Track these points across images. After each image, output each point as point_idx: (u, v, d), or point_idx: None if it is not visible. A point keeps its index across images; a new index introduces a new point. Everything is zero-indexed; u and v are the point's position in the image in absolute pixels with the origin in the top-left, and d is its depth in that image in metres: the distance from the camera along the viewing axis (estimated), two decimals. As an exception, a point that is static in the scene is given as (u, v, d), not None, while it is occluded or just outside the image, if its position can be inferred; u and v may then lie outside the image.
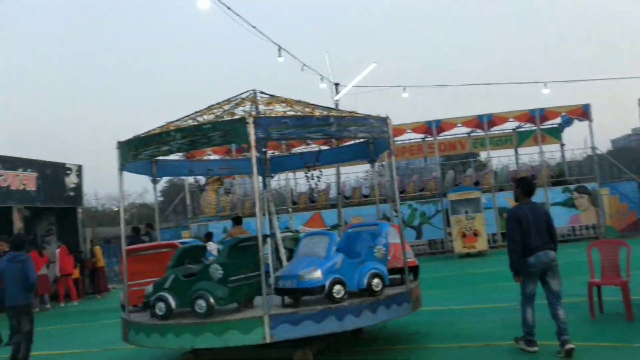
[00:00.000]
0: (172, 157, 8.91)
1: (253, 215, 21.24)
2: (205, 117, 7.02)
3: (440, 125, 21.80)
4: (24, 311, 7.16)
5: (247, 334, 5.79)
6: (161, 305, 6.20)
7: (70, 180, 18.63)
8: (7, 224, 16.07)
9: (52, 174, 17.76)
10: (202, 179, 18.97)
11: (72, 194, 18.63)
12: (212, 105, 7.52)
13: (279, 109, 7.06)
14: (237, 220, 12.53)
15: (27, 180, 16.63)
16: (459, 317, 8.46)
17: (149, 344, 6.29)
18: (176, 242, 7.19)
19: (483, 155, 26.58)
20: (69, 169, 18.65)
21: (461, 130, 23.35)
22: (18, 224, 16.19)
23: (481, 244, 18.25)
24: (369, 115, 7.18)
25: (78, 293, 16.51)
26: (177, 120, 7.07)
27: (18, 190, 16.25)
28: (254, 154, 6.10)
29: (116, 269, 23.50)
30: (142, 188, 52.25)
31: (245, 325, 5.81)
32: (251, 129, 6.00)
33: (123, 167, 6.88)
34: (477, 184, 21.11)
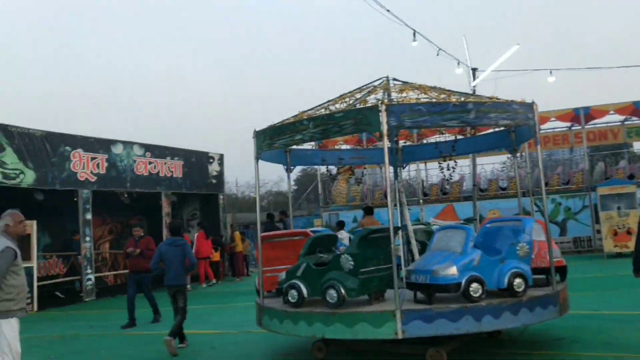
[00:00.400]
0: (305, 146, 9.04)
1: (383, 205, 21.19)
2: (337, 105, 6.95)
3: (589, 113, 20.02)
4: (180, 290, 8.10)
5: (378, 328, 5.64)
6: (293, 292, 6.25)
7: (213, 168, 19.76)
8: (157, 208, 17.45)
9: (196, 162, 18.96)
10: (333, 169, 19.16)
11: (214, 181, 19.77)
12: (344, 94, 7.44)
13: (412, 96, 6.79)
14: (368, 210, 12.45)
15: (174, 168, 17.89)
16: (611, 324, 7.63)
17: (281, 330, 6.38)
18: (308, 230, 7.22)
19: (637, 145, 24.03)
20: (212, 157, 19.79)
21: (613, 118, 21.24)
22: (166, 209, 17.49)
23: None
24: (512, 100, 6.65)
25: (218, 276, 17.47)
26: (310, 110, 7.07)
27: (166, 177, 17.55)
28: (385, 142, 5.91)
29: (254, 253, 24.73)
30: (277, 177, 54.11)
31: (376, 318, 5.67)
32: (383, 117, 5.81)
33: (259, 156, 7.03)
34: (631, 177, 19.13)
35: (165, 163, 17.54)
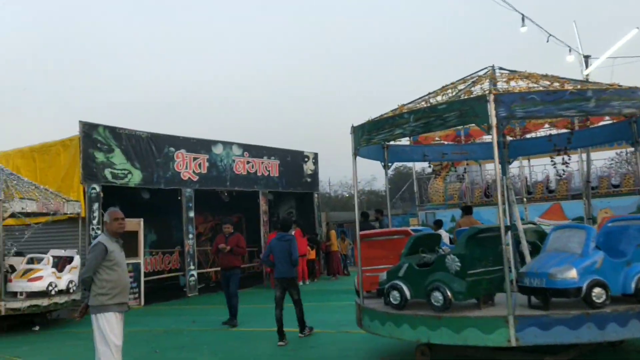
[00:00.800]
0: (402, 142, 8.74)
1: (483, 204, 20.34)
2: (439, 98, 6.60)
3: None
4: (291, 283, 8.47)
5: (488, 334, 5.26)
6: (395, 294, 5.99)
7: (308, 167, 19.87)
8: (255, 207, 17.79)
9: (291, 161, 19.14)
10: (427, 166, 18.56)
11: (309, 180, 19.88)
12: (445, 86, 7.07)
13: (522, 85, 6.31)
14: (467, 210, 11.92)
15: (270, 167, 18.16)
16: None
17: (382, 333, 6.14)
18: (409, 229, 6.92)
19: None
20: (307, 156, 19.90)
21: None
22: (263, 207, 17.78)
23: None
24: (636, 87, 5.99)
25: (314, 274, 17.49)
26: (409, 103, 6.77)
27: (263, 175, 17.85)
28: (495, 135, 5.49)
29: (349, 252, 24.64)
30: (370, 175, 53.84)
31: (486, 324, 5.28)
32: (492, 107, 5.41)
33: (357, 152, 6.83)
34: None
35: (262, 162, 17.85)
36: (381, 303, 6.32)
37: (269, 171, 18.09)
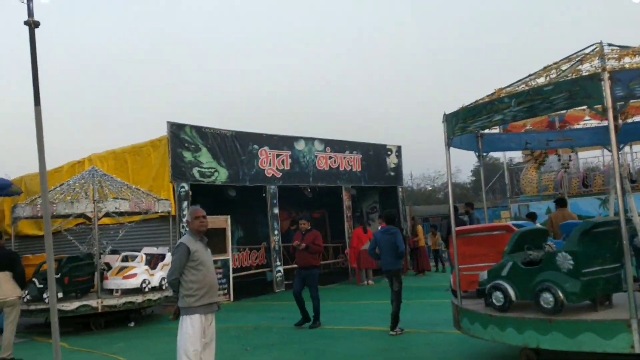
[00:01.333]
0: (494, 130, 8.17)
1: (581, 195, 19.04)
2: (541, 80, 6.03)
3: None
4: (395, 274, 8.70)
5: (607, 340, 4.71)
6: (499, 295, 5.52)
7: (391, 160, 19.42)
8: (338, 202, 17.59)
9: (374, 155, 18.77)
10: (514, 155, 17.49)
11: (392, 173, 19.42)
12: (547, 66, 6.47)
13: (638, 62, 5.62)
14: (560, 202, 11.10)
15: (353, 162, 17.88)
16: None
17: (484, 336, 5.69)
18: (510, 224, 6.39)
19: None
20: (390, 150, 19.45)
21: None
22: (346, 202, 17.55)
23: None
24: None
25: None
26: (507, 87, 6.25)
27: (346, 170, 17.60)
28: (611, 117, 4.92)
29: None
30: (455, 168, 52.38)
31: (605, 328, 4.73)
32: (607, 86, 4.82)
33: (450, 142, 6.39)
34: None
35: (344, 157, 17.61)
36: (482, 304, 5.88)
37: (351, 166, 17.82)
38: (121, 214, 11.66)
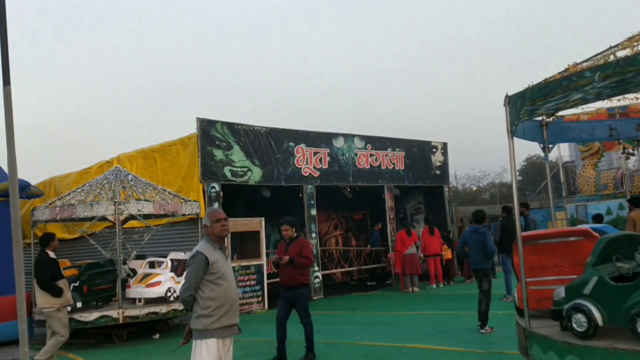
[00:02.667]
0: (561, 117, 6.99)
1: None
2: (623, 53, 4.87)
3: None
4: (484, 274, 8.67)
5: None
6: (580, 318, 4.39)
7: (436, 158, 18.20)
8: (380, 202, 16.52)
9: (418, 153, 17.59)
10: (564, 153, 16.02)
11: (438, 172, 18.20)
12: (633, 36, 5.29)
13: None
14: (636, 202, 9.77)
15: (395, 160, 16.77)
16: None
17: (561, 369, 4.56)
18: (589, 228, 5.23)
19: None
20: (435, 147, 18.24)
21: None
22: (389, 203, 16.45)
23: None
24: None
25: (449, 276, 15.83)
26: (583, 62, 5.10)
27: (388, 169, 16.50)
28: None
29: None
30: (500, 167, 50.53)
31: None
32: None
33: (514, 129, 5.27)
34: None
35: (386, 155, 16.51)
36: (556, 328, 4.75)
37: (393, 164, 16.70)
38: (146, 216, 10.97)
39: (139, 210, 9.91)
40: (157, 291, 9.69)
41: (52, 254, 7.90)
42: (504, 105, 5.21)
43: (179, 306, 9.84)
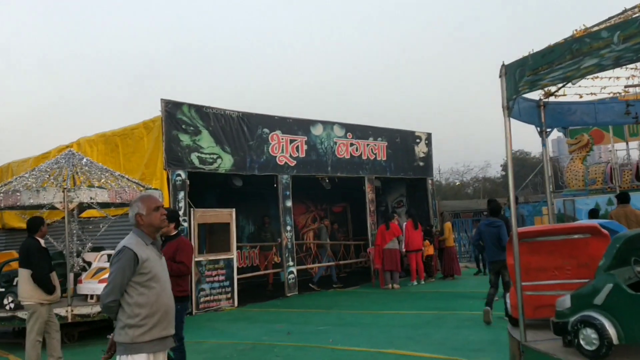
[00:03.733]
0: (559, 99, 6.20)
1: (634, 189, 16.75)
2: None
3: None
4: (503, 265, 8.20)
5: None
6: (590, 334, 3.59)
7: (420, 149, 17.40)
8: (361, 194, 15.70)
9: (401, 143, 16.77)
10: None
11: (421, 164, 17.40)
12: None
13: None
14: (622, 198, 9.13)
15: (377, 150, 15.93)
16: None
17: (565, 394, 3.77)
18: (597, 224, 4.42)
19: None
20: (419, 137, 17.43)
21: None
22: (370, 195, 15.64)
23: None
24: None
25: (431, 272, 15.07)
26: (593, 26, 4.29)
27: (369, 159, 15.67)
28: None
29: (467, 246, 21.82)
30: (484, 162, 50.17)
31: None
32: None
33: (510, 105, 4.44)
34: None
35: (367, 144, 15.66)
36: (558, 343, 3.95)
37: (375, 154, 15.86)
38: (105, 205, 10.03)
39: (91, 199, 8.94)
40: (110, 288, 8.74)
41: (42, 242, 7.02)
42: (500, 76, 4.38)
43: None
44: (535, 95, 5.58)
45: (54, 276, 6.96)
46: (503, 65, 4.33)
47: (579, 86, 5.53)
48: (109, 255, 9.75)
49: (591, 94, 5.56)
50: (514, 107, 4.44)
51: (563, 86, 5.42)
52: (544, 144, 6.05)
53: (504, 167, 67.52)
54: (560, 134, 22.48)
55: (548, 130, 5.82)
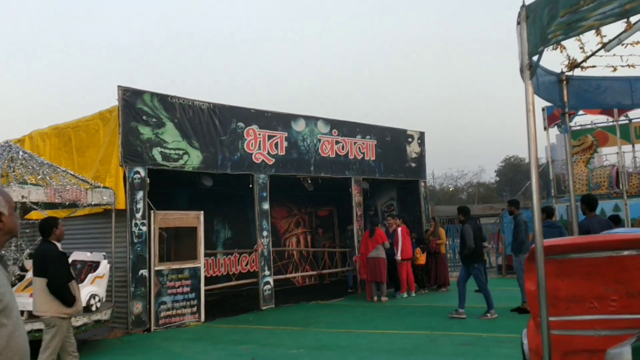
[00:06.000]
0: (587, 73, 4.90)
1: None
2: None
3: None
4: None
5: None
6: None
7: (412, 149, 16.09)
8: (347, 197, 14.37)
9: (392, 142, 15.46)
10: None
11: (413, 164, 16.09)
12: None
13: None
14: (589, 203, 7.89)
15: (365, 149, 14.62)
16: None
17: None
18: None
19: None
20: (411, 136, 16.13)
21: None
22: (357, 197, 14.31)
23: None
24: None
25: (423, 282, 13.75)
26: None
27: (356, 159, 14.35)
28: None
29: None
30: (478, 167, 49.11)
31: None
32: None
33: (534, 63, 3.11)
34: None
35: (355, 142, 14.33)
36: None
37: (363, 153, 14.53)
38: (49, 206, 8.71)
39: (23, 197, 7.60)
40: (40, 303, 7.35)
41: (59, 246, 6.00)
42: (518, 22, 3.06)
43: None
44: (556, 65, 4.29)
45: (73, 285, 5.88)
46: (524, 5, 3.01)
47: (613, 54, 4.24)
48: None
49: (628, 66, 4.26)
50: (537, 68, 3.13)
51: (594, 54, 4.12)
52: (565, 131, 4.74)
53: (498, 172, 66.37)
54: (560, 134, 21.31)
55: (571, 112, 4.53)
